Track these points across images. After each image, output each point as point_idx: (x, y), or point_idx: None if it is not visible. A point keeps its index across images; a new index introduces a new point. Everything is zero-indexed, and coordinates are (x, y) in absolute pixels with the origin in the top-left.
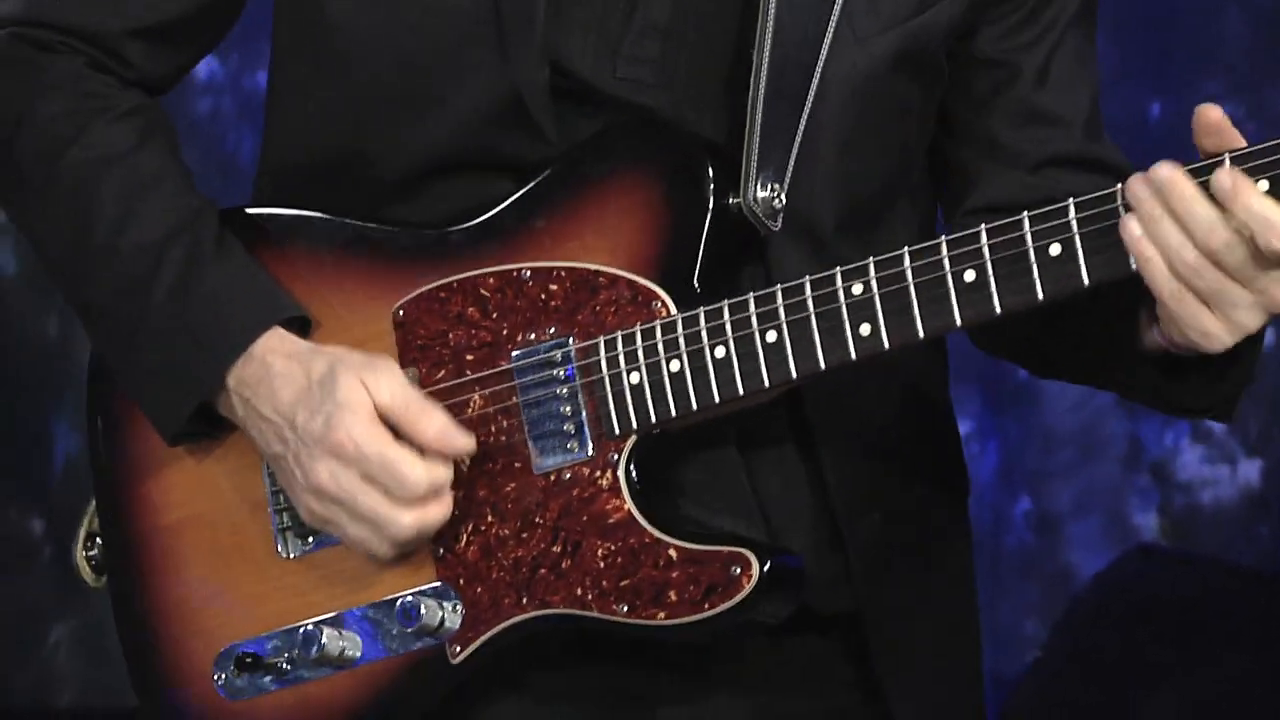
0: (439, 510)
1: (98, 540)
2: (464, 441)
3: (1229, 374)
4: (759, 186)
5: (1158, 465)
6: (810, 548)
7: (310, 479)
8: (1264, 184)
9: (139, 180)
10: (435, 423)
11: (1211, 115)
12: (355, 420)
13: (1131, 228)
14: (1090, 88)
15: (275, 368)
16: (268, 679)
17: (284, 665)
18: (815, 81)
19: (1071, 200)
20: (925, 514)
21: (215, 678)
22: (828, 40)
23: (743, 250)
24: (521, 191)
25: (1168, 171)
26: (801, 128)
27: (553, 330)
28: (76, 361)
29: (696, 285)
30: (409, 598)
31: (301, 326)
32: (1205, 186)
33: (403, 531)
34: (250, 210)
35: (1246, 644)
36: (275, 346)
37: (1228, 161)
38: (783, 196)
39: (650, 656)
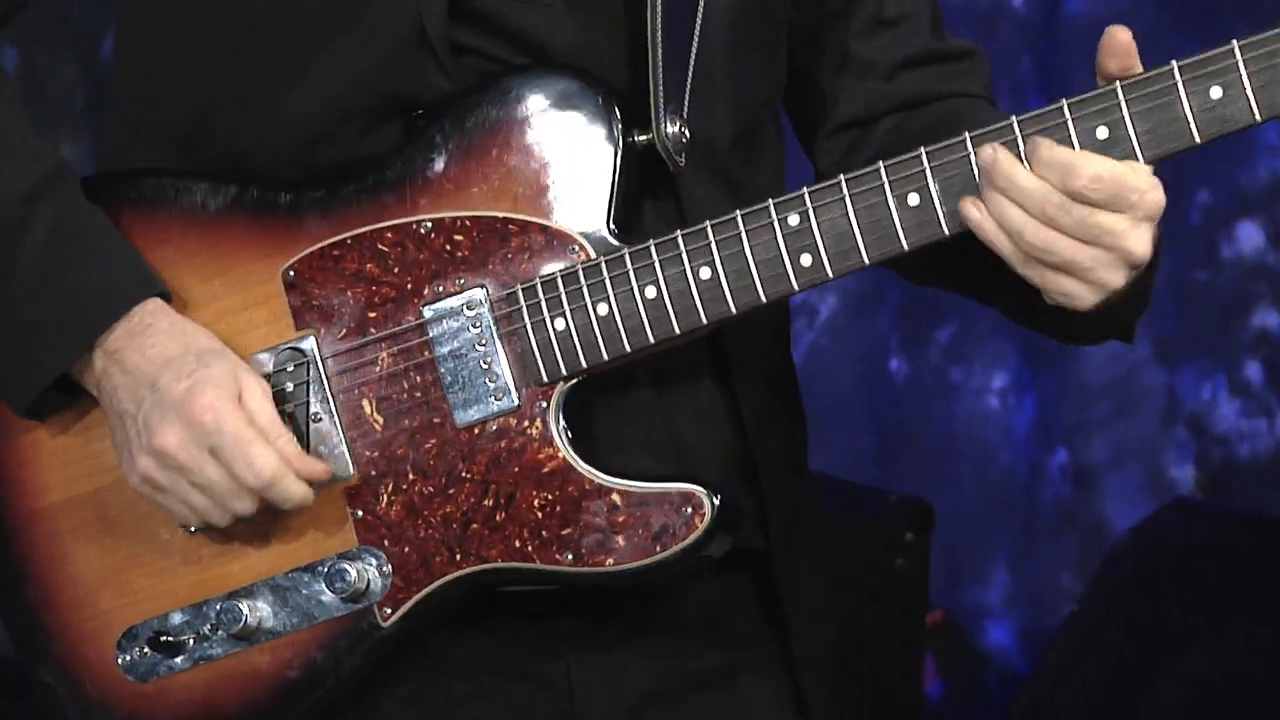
0: (297, 487)
1: None
2: (314, 464)
3: (1118, 309)
4: (667, 122)
5: (1194, 418)
6: (732, 482)
7: (154, 440)
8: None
9: None
10: (289, 446)
11: (1121, 37)
12: (219, 395)
13: (970, 212)
14: None
15: (155, 328)
16: (178, 658)
17: (195, 642)
18: (701, 8)
19: (1014, 118)
20: (799, 446)
21: (120, 660)
22: None
23: (651, 187)
24: (415, 138)
25: (987, 154)
26: (693, 58)
27: (463, 281)
28: None
29: (612, 226)
30: (333, 562)
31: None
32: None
33: (247, 509)
34: (112, 172)
35: None
36: (156, 311)
37: (1015, 125)
38: (686, 130)
39: (556, 607)
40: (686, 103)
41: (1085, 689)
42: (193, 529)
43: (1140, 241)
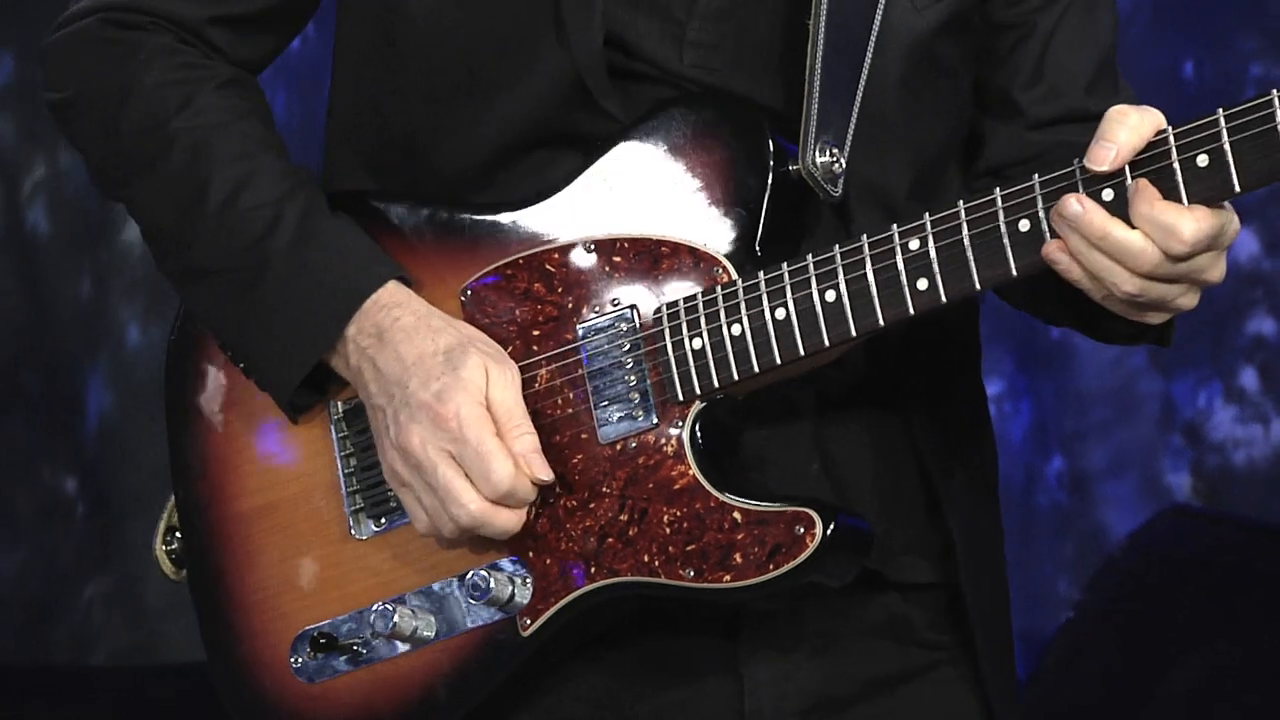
0: (508, 518)
1: (177, 534)
2: (546, 470)
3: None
4: (817, 151)
5: (1190, 425)
6: (889, 512)
7: (401, 438)
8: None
9: (250, 145)
10: (529, 440)
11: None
12: (467, 400)
13: (1058, 257)
14: (1096, 42)
15: (402, 321)
16: (343, 660)
17: (358, 646)
18: (871, 46)
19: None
20: (989, 471)
21: (293, 661)
22: (881, 4)
23: (816, 217)
24: (584, 168)
25: (1073, 206)
26: (860, 92)
27: (616, 301)
28: (110, 320)
29: (758, 250)
30: (478, 571)
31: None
32: (1115, 192)
33: (466, 516)
34: (334, 193)
35: (1278, 605)
36: (400, 300)
37: (1128, 175)
38: (843, 161)
39: (706, 625)
40: (850, 139)
41: (1082, 695)
42: (421, 533)
43: (1220, 271)
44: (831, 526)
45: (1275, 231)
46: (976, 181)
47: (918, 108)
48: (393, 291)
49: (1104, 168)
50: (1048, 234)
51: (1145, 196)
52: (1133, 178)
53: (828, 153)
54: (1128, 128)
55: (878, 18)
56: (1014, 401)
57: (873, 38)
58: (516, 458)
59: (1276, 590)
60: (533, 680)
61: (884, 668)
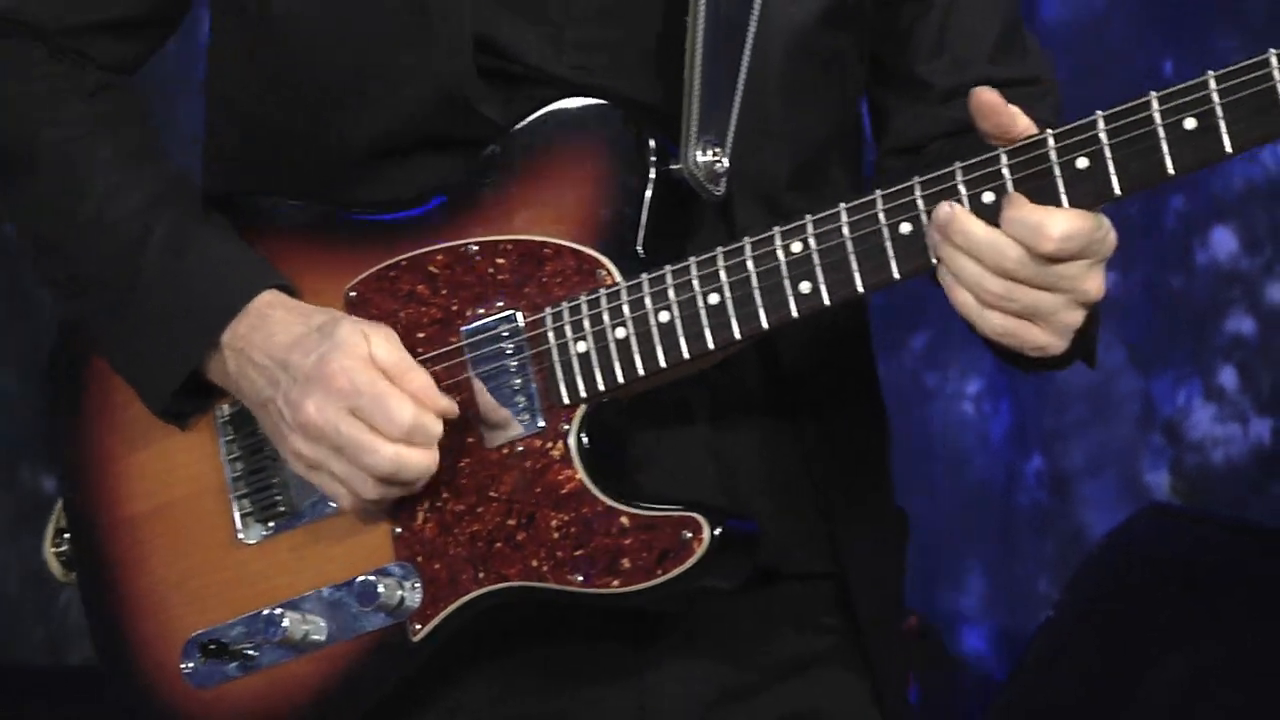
0: (421, 456)
1: (66, 536)
2: (445, 401)
3: (1082, 337)
4: (698, 151)
5: (1170, 424)
6: (781, 509)
7: (297, 415)
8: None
9: (119, 153)
10: (421, 378)
11: (985, 97)
12: (350, 357)
13: (943, 278)
14: (997, 7)
15: (274, 317)
16: (233, 665)
17: (249, 651)
18: (749, 42)
19: (1002, 150)
20: (879, 459)
21: (184, 667)
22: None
23: (700, 215)
24: (467, 170)
25: (944, 211)
26: (739, 90)
27: (500, 304)
28: None
29: (641, 252)
30: (368, 577)
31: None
32: (996, 194)
33: (381, 461)
34: (210, 195)
35: (1258, 604)
36: (273, 302)
37: (1008, 179)
38: (725, 160)
39: (605, 626)
40: (730, 136)
41: (1061, 694)
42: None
43: (1097, 284)
44: (719, 530)
45: (1254, 230)
46: (892, 160)
47: (799, 100)
48: (265, 297)
49: (1017, 130)
50: (930, 234)
51: (1014, 203)
52: (1012, 181)
53: (709, 152)
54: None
55: (754, 13)
56: (994, 400)
57: (751, 33)
58: (414, 395)
59: (1256, 589)
60: (428, 683)
61: (783, 655)
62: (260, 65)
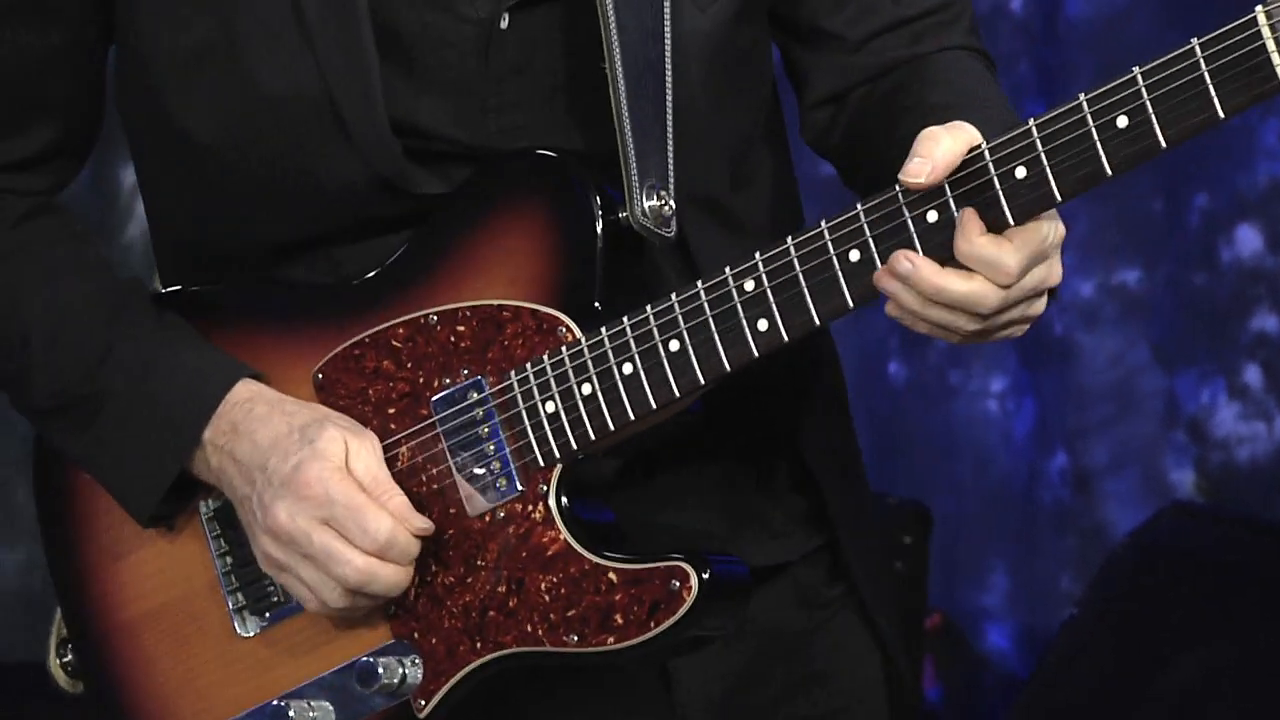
0: (393, 573)
1: (69, 646)
2: (423, 520)
3: None
4: (644, 198)
5: (1194, 422)
6: (776, 499)
7: (267, 519)
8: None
9: (62, 275)
10: (399, 500)
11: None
12: (325, 467)
13: (891, 312)
14: None
15: (256, 411)
16: None
17: None
18: (669, 71)
19: (946, 185)
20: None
21: None
22: (668, 21)
23: (658, 254)
24: (417, 240)
25: (904, 266)
26: (669, 121)
27: (466, 371)
28: None
29: (598, 305)
30: (367, 659)
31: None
32: (940, 213)
33: (351, 572)
34: (163, 291)
35: None
36: (252, 396)
37: (949, 194)
38: (671, 202)
39: (613, 679)
40: (671, 175)
41: (1083, 692)
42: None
43: (1057, 273)
44: (706, 575)
45: (1278, 229)
46: (816, 113)
47: (726, 101)
48: (241, 389)
49: (920, 180)
50: (878, 260)
51: (965, 233)
52: (954, 198)
53: (655, 196)
54: (941, 146)
55: (667, 41)
56: (1017, 398)
57: (669, 64)
58: (392, 513)
59: (1278, 589)
60: None
61: (794, 632)
62: (187, 184)
